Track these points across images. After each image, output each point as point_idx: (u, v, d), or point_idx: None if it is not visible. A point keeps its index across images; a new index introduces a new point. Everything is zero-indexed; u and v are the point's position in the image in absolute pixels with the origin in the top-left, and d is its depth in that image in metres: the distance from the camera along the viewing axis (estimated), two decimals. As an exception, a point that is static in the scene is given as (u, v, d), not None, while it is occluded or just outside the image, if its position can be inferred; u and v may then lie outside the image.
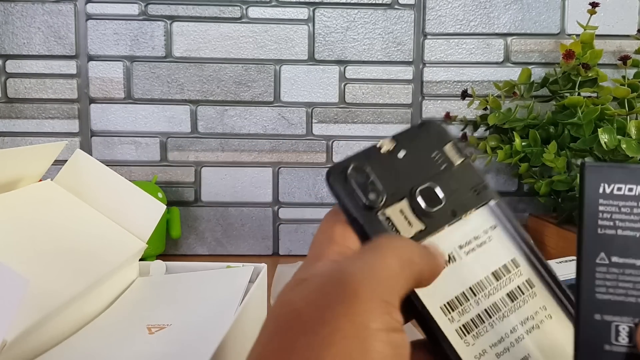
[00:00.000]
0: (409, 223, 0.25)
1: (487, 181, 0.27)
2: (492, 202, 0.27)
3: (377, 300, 0.17)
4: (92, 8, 0.81)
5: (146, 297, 0.47)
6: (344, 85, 0.83)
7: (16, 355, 0.33)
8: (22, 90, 0.81)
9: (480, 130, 0.83)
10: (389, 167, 0.26)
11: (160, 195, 0.76)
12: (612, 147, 0.62)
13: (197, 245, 0.84)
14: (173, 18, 0.81)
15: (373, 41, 0.83)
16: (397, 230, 0.25)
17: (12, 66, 0.81)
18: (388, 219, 0.25)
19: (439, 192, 0.26)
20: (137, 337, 0.39)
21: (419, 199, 0.25)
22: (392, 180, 0.26)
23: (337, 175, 0.25)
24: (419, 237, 0.25)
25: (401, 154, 0.26)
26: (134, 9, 0.81)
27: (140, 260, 0.53)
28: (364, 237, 0.24)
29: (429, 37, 0.83)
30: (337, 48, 0.82)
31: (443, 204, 0.26)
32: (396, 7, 0.82)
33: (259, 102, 0.83)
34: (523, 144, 0.72)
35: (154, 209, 0.52)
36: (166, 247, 0.80)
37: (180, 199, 0.83)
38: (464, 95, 0.81)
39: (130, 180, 0.52)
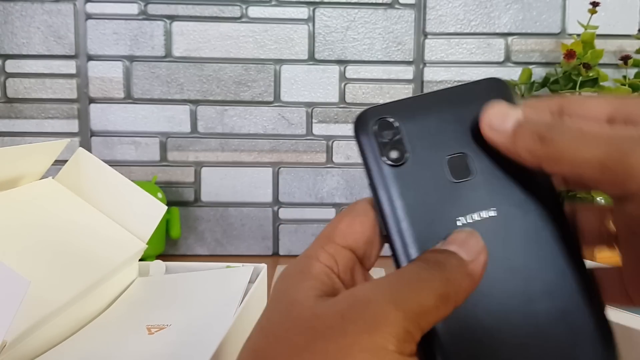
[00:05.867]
0: None
1: None
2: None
3: (402, 329, 0.18)
4: (91, 8, 0.80)
5: (146, 298, 0.47)
6: (344, 85, 0.83)
7: (16, 355, 0.33)
8: (21, 90, 0.81)
9: (481, 130, 0.83)
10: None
11: (160, 195, 0.76)
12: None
13: (197, 246, 0.84)
14: (173, 18, 0.81)
15: (373, 41, 0.82)
16: None
17: (11, 66, 0.81)
18: None
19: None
20: (137, 338, 0.39)
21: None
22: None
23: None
24: None
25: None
26: (133, 9, 0.81)
27: (140, 260, 0.53)
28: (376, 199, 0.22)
29: (429, 36, 0.83)
30: (337, 48, 0.82)
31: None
32: (396, 6, 0.82)
33: (258, 102, 0.83)
34: (523, 143, 0.72)
35: (154, 210, 0.51)
36: (166, 247, 0.80)
37: (180, 199, 0.83)
38: (465, 95, 0.81)
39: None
